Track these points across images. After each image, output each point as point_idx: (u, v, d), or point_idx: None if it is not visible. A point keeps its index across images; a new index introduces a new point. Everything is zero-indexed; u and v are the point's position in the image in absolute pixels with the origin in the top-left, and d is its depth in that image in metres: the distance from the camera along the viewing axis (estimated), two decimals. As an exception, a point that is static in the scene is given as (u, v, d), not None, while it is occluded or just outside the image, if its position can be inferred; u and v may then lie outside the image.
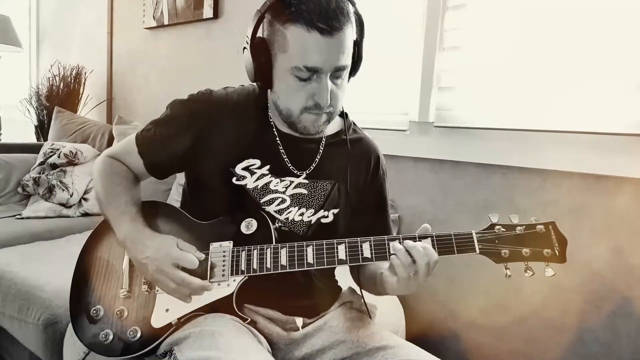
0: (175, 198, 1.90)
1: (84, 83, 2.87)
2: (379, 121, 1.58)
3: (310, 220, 0.90)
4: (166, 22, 2.38)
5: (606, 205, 1.18)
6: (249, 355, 0.72)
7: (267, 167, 0.88)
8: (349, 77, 0.86)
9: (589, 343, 1.21)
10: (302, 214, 0.89)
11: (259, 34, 0.81)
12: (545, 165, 1.25)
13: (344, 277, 1.02)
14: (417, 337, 1.23)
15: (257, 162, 0.88)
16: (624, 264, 1.16)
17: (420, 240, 0.77)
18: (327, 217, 0.91)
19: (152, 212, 0.92)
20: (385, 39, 1.54)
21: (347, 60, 0.79)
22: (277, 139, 0.89)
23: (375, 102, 1.63)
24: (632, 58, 1.13)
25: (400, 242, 0.77)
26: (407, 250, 0.74)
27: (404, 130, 1.55)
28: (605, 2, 1.16)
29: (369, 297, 0.97)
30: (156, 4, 2.42)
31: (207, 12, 2.17)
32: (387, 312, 1.27)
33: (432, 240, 0.77)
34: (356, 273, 0.97)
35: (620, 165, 1.13)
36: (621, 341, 1.17)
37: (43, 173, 2.17)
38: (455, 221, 1.43)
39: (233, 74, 2.17)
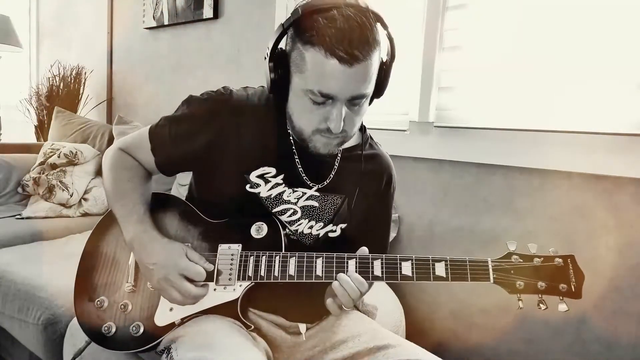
0: (175, 198, 1.90)
1: (84, 83, 2.87)
2: (379, 121, 1.58)
3: (319, 234, 0.89)
4: (166, 22, 2.38)
5: (606, 205, 1.18)
6: (240, 354, 0.72)
7: (282, 176, 0.87)
8: (372, 99, 0.83)
9: (589, 343, 1.21)
10: (311, 227, 0.89)
11: (282, 45, 0.78)
12: (545, 165, 1.25)
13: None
14: (417, 337, 1.23)
15: (273, 171, 0.86)
16: (624, 263, 1.16)
17: (434, 265, 0.76)
18: (335, 231, 0.90)
19: (162, 207, 0.91)
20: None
21: (367, 88, 0.75)
22: (294, 148, 0.87)
23: (375, 102, 1.62)
24: (632, 58, 1.13)
25: (409, 261, 0.77)
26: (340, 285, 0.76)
27: (404, 130, 1.55)
28: (605, 2, 1.16)
29: (370, 299, 0.97)
30: (156, 4, 2.42)
31: (207, 12, 2.17)
32: (388, 312, 1.27)
33: (446, 265, 0.75)
34: None
35: (620, 165, 1.13)
36: (621, 341, 1.17)
37: (43, 173, 2.17)
38: (456, 221, 1.43)
39: (233, 74, 2.18)
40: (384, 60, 0.79)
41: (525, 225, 1.29)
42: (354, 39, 0.69)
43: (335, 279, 0.77)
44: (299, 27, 0.73)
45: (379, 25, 0.74)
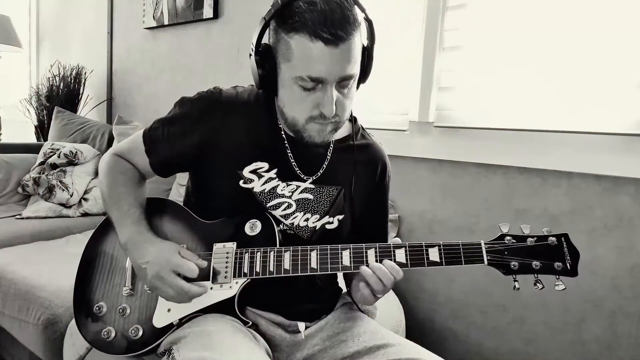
0: (175, 198, 1.90)
1: (84, 83, 2.87)
2: (378, 121, 1.58)
3: (315, 226, 0.89)
4: (166, 22, 2.38)
5: (606, 205, 1.18)
6: (241, 354, 0.72)
7: (275, 170, 0.87)
8: (358, 84, 0.84)
9: (589, 343, 1.21)
10: (307, 220, 0.89)
11: (265, 40, 0.80)
12: (545, 165, 1.25)
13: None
14: (417, 337, 1.23)
15: (265, 165, 0.87)
16: (624, 264, 1.16)
17: (427, 250, 0.76)
18: (332, 223, 0.91)
19: (157, 210, 0.92)
20: (386, 39, 1.54)
21: (354, 69, 0.77)
22: (286, 142, 0.88)
23: (375, 102, 1.63)
24: (632, 58, 1.13)
25: (403, 248, 0.78)
26: (374, 273, 0.77)
27: (404, 130, 1.55)
28: (605, 2, 1.16)
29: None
30: (156, 4, 2.42)
31: (207, 12, 2.17)
32: (388, 312, 1.27)
33: (439, 250, 0.76)
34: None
35: (620, 165, 1.14)
36: (621, 341, 1.17)
37: (43, 173, 2.17)
38: (455, 221, 1.43)
39: (233, 73, 2.18)
40: (365, 45, 0.81)
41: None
42: (336, 20, 0.71)
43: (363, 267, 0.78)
44: (281, 17, 0.76)
45: (356, 7, 0.76)
